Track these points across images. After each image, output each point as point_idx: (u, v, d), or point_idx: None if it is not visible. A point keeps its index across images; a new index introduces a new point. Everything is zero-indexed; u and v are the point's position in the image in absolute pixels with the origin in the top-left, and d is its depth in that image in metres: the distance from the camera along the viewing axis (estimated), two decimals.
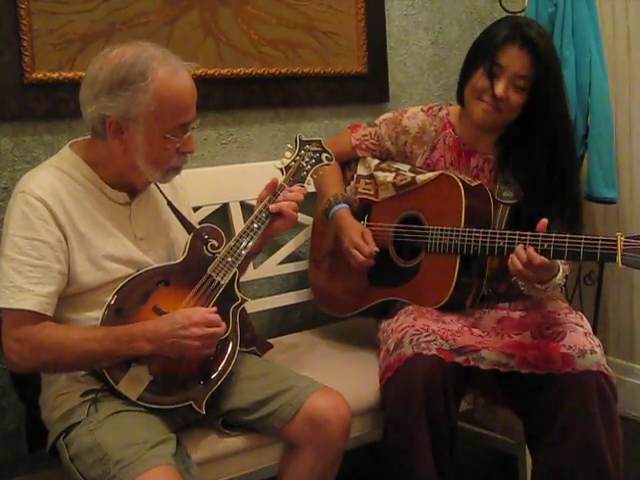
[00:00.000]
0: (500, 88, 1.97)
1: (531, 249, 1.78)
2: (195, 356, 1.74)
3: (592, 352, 1.88)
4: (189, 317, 1.68)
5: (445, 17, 2.98)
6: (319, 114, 2.70)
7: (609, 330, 3.00)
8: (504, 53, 1.96)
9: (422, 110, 2.22)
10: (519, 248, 1.80)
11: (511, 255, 1.82)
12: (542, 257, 1.77)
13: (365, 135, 2.28)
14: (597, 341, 1.94)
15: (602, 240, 1.72)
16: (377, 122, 2.28)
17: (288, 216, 1.88)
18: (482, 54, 2.01)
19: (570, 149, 2.09)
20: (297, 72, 2.59)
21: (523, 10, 2.91)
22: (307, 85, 2.63)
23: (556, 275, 1.87)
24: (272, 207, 1.87)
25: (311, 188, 2.14)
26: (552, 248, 1.80)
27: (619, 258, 1.68)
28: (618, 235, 1.70)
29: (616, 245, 1.69)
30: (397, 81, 2.87)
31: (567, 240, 1.78)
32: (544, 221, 1.80)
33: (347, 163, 2.35)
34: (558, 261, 1.86)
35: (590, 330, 1.98)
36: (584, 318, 2.02)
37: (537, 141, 2.02)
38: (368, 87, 2.77)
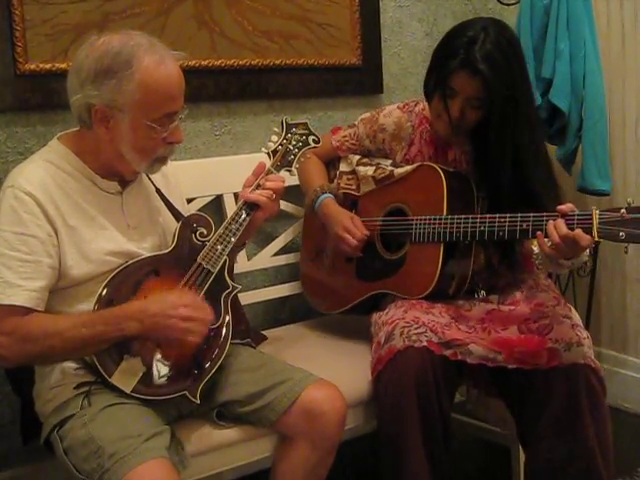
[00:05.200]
0: (455, 111, 1.98)
1: (561, 223, 1.75)
2: (182, 343, 1.70)
3: (579, 345, 1.89)
4: (180, 297, 1.69)
5: (439, 8, 2.98)
6: (313, 105, 2.70)
7: (602, 322, 3.01)
8: (456, 78, 1.95)
9: (398, 107, 2.25)
10: (549, 225, 1.77)
11: (538, 233, 1.79)
12: (569, 231, 1.73)
13: (345, 136, 2.32)
14: (585, 333, 1.94)
15: (578, 215, 1.74)
16: (356, 122, 2.31)
17: (264, 206, 1.86)
18: (436, 77, 2.01)
19: (534, 147, 2.02)
20: (291, 63, 2.58)
21: (518, 2, 2.90)
22: (301, 76, 2.63)
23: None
24: (245, 198, 1.86)
25: None
26: (531, 227, 1.82)
27: (595, 231, 1.70)
28: (593, 209, 1.72)
29: (592, 219, 1.71)
30: (391, 73, 2.86)
31: (544, 218, 1.79)
32: (569, 205, 1.78)
33: (331, 162, 2.37)
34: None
35: (578, 322, 1.98)
36: (572, 309, 2.03)
37: (494, 145, 1.98)
38: (362, 79, 2.77)
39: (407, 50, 2.91)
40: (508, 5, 2.97)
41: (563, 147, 2.75)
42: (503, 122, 1.95)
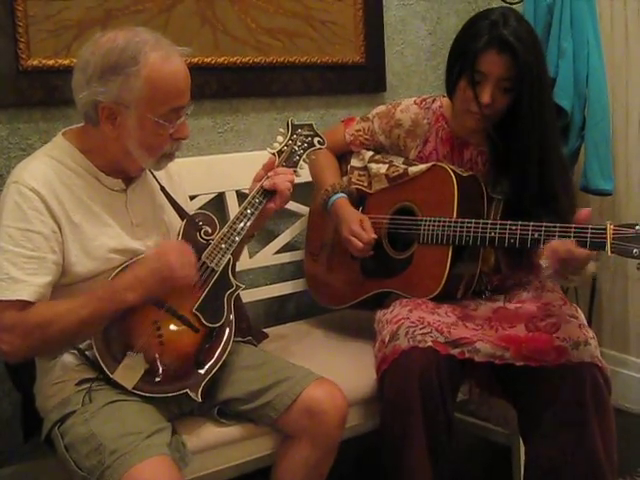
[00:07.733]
0: (486, 96, 1.94)
1: (571, 244, 1.74)
2: (184, 338, 1.76)
3: (586, 344, 1.88)
4: (163, 252, 1.71)
5: (443, 7, 2.97)
6: (316, 103, 2.70)
7: (603, 322, 3.01)
8: (483, 60, 1.92)
9: (415, 103, 2.21)
10: (554, 243, 1.77)
11: (546, 251, 1.78)
12: (582, 249, 1.72)
13: (359, 130, 2.28)
14: (591, 333, 1.94)
15: (592, 228, 1.73)
16: (370, 116, 2.27)
17: (282, 192, 1.87)
18: (462, 63, 1.97)
19: (552, 138, 2.02)
20: (294, 61, 2.58)
21: (521, 1, 2.89)
22: (304, 74, 2.62)
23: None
24: (266, 184, 1.87)
25: (304, 178, 2.13)
26: (542, 237, 1.81)
27: (608, 247, 1.69)
28: (607, 224, 1.71)
29: (605, 233, 1.70)
30: (394, 71, 2.86)
31: (557, 229, 1.78)
32: (587, 210, 1.78)
33: (342, 155, 2.34)
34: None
35: (584, 322, 1.97)
36: (579, 310, 2.02)
37: (522, 133, 1.97)
38: (365, 77, 2.76)
39: (410, 48, 2.91)
40: (511, 4, 2.96)
41: (566, 147, 2.73)
42: (531, 107, 1.92)
